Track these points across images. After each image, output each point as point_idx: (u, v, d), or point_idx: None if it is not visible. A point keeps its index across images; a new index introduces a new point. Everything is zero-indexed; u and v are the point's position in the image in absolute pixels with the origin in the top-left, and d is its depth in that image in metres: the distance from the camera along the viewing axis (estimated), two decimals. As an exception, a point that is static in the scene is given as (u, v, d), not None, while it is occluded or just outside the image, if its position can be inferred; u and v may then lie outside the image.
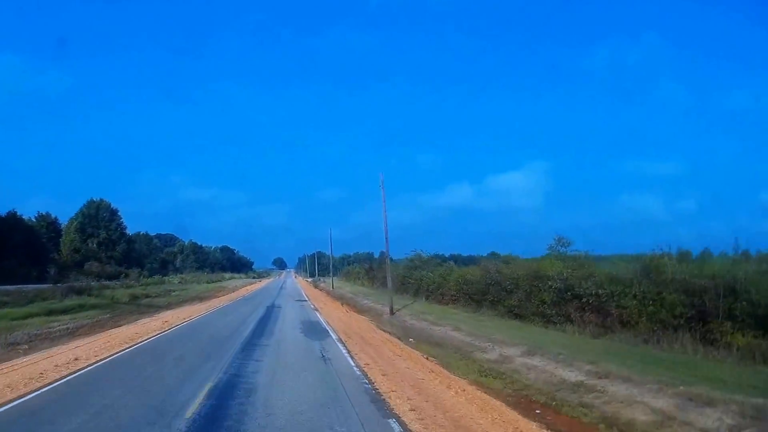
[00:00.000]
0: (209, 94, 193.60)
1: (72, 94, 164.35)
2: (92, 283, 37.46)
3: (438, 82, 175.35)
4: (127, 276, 49.86)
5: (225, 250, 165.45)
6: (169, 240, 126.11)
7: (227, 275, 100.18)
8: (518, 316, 20.53)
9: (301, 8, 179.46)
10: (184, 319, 19.53)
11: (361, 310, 28.74)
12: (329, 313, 23.19)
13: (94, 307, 27.77)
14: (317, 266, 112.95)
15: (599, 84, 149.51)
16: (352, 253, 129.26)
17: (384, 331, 17.42)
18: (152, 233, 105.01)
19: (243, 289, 52.61)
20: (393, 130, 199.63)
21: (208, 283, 69.06)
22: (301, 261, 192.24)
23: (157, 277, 54.15)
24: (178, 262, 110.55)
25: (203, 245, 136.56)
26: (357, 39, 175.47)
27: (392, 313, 24.99)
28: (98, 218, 69.31)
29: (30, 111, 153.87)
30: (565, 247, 24.16)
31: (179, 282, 58.06)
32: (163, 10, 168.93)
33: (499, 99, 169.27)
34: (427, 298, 32.09)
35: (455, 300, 28.20)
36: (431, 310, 25.97)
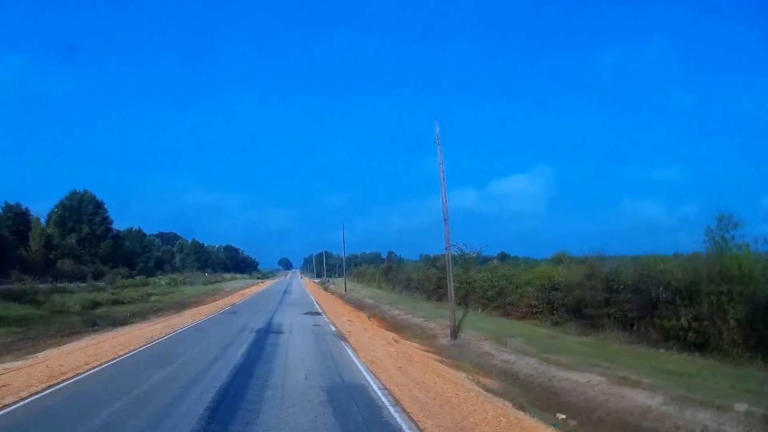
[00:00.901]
0: (216, 99, 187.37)
1: (80, 99, 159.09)
2: (40, 286, 28.98)
3: (442, 87, 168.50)
4: (99, 276, 41.39)
5: (229, 249, 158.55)
6: (171, 239, 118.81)
7: (228, 276, 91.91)
8: (700, 348, 11.71)
9: (306, 14, 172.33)
10: (60, 377, 8.44)
11: (397, 328, 20.01)
12: (367, 344, 12.98)
13: (18, 320, 19.39)
14: (325, 267, 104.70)
15: (603, 90, 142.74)
16: (359, 254, 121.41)
17: (495, 394, 8.49)
18: (154, 232, 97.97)
19: (239, 293, 43.86)
20: (397, 135, 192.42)
21: (204, 284, 60.67)
22: (307, 261, 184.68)
23: (140, 278, 45.84)
24: (177, 262, 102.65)
25: (206, 244, 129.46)
26: (362, 45, 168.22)
27: (454, 336, 16.20)
28: (80, 211, 61.18)
29: (38, 114, 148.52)
30: (730, 231, 14.91)
31: (168, 283, 49.60)
32: (171, 17, 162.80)
33: (503, 104, 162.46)
34: (483, 309, 23.27)
35: (534, 313, 19.40)
36: (510, 329, 17.19)
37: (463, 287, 26.49)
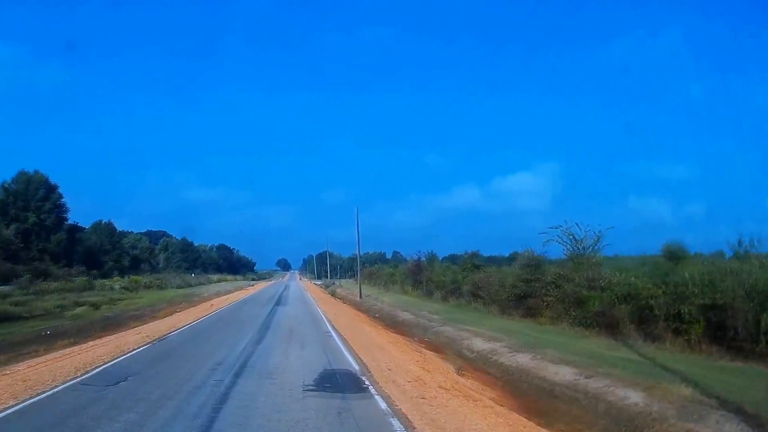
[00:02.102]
0: (213, 93, 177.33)
1: (80, 95, 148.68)
2: None
3: (446, 83, 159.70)
4: (13, 278, 29.67)
5: (222, 248, 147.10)
6: (160, 237, 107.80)
7: (215, 277, 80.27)
8: None
9: (306, 8, 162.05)
10: None
11: (552, 409, 8.49)
12: None
13: None
14: (328, 267, 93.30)
15: (609, 85, 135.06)
16: (362, 253, 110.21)
17: None
18: (142, 230, 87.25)
19: (209, 302, 31.10)
20: (400, 132, 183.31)
21: (179, 287, 49.03)
22: (306, 262, 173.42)
23: (80, 280, 34.33)
24: (161, 261, 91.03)
25: (196, 243, 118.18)
26: (363, 40, 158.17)
27: None
28: (27, 196, 49.59)
29: (37, 110, 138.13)
30: None
31: (124, 287, 38.01)
32: (171, 13, 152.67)
33: (508, 100, 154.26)
34: (655, 341, 11.82)
35: None
36: None
37: (593, 296, 15.00)
